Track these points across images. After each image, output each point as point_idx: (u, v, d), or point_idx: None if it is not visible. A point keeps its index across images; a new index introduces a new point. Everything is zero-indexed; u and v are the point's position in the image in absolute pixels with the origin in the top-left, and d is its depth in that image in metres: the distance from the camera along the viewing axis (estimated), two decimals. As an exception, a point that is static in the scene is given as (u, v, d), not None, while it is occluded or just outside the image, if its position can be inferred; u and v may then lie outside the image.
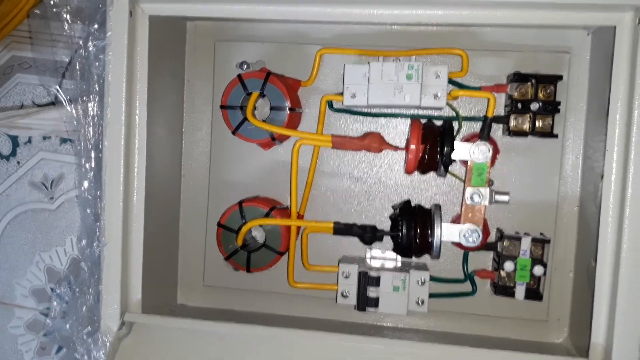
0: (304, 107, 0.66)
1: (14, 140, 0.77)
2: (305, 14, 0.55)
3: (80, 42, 0.54)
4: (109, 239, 0.57)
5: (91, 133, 0.56)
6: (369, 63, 0.59)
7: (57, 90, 0.61)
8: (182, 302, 0.71)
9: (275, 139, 0.64)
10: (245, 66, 0.65)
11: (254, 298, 0.69)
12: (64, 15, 0.54)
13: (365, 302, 0.61)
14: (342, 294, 0.62)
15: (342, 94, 0.61)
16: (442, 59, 0.63)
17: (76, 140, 0.56)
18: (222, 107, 0.64)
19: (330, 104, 0.65)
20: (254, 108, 0.63)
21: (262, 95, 0.63)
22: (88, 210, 0.58)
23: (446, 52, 0.62)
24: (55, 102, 0.71)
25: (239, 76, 0.63)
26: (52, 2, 0.54)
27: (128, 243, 0.59)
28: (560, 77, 0.59)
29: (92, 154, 0.56)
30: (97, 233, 0.57)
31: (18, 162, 0.77)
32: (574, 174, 0.62)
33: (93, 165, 0.56)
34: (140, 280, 0.60)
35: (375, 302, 0.61)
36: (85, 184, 0.57)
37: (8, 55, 0.75)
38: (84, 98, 0.56)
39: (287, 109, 0.62)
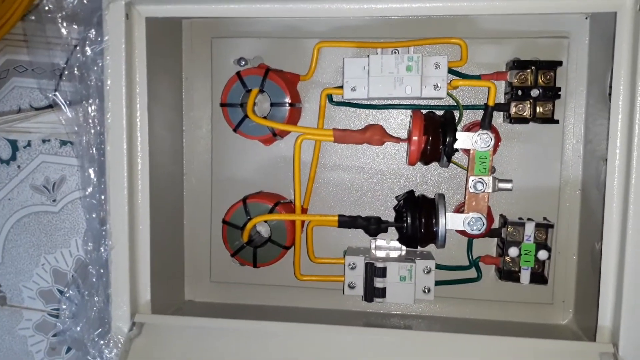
0: (303, 101, 0.66)
1: (13, 145, 0.76)
2: (302, 11, 0.55)
3: (77, 46, 0.54)
4: (116, 242, 0.57)
5: (92, 137, 0.55)
6: (368, 56, 0.59)
7: (55, 95, 0.61)
8: (189, 298, 0.71)
9: (276, 135, 0.64)
10: (243, 62, 0.65)
11: (261, 292, 0.70)
12: (59, 20, 0.53)
13: (372, 293, 0.62)
14: (349, 285, 0.63)
15: (341, 87, 0.60)
16: (441, 49, 0.63)
17: (76, 143, 0.55)
18: (222, 105, 0.64)
19: (330, 98, 0.65)
20: (254, 104, 0.63)
21: (261, 91, 0.62)
22: (93, 215, 0.58)
23: (445, 41, 0.62)
24: (52, 105, 0.70)
25: (238, 73, 0.62)
26: (46, 8, 0.53)
27: (135, 245, 0.59)
28: (559, 63, 0.59)
29: (95, 158, 0.55)
30: (104, 237, 0.57)
31: (18, 166, 0.77)
32: (575, 158, 0.63)
33: (96, 168, 0.56)
34: (149, 281, 0.60)
35: (382, 293, 0.62)
36: (89, 188, 0.57)
37: (3, 59, 0.74)
38: (83, 102, 0.55)
39: (287, 104, 0.62)
